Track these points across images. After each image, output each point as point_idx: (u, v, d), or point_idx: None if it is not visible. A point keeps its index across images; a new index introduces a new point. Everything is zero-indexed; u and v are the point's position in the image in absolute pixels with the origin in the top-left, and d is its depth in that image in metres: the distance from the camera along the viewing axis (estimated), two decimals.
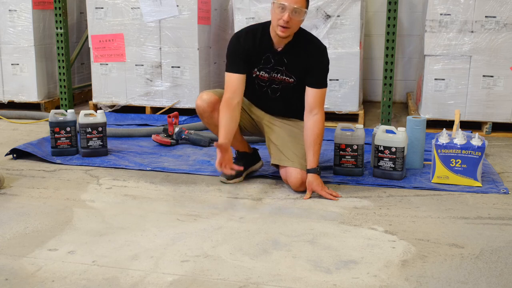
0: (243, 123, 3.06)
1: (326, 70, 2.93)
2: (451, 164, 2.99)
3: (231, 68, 2.89)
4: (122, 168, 3.34)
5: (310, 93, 2.88)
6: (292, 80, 2.93)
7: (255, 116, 3.09)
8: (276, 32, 2.78)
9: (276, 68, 2.91)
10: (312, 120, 2.86)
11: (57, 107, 5.24)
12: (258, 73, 2.94)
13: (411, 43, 5.72)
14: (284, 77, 2.93)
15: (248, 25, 3.36)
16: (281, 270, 2.03)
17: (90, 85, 5.34)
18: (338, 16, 4.43)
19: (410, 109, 4.85)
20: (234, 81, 2.86)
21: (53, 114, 3.56)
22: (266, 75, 2.93)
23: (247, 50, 2.88)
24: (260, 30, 2.89)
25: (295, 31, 2.82)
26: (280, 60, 2.89)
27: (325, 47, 2.94)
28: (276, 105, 3.05)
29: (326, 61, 2.93)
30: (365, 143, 3.19)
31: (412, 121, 3.27)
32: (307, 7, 2.76)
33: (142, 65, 4.87)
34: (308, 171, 2.85)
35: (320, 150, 2.89)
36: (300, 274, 2.00)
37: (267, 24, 2.89)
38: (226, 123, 2.82)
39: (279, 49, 2.87)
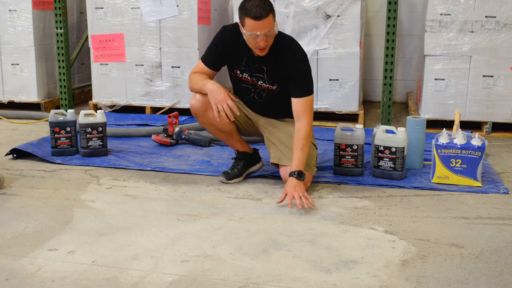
0: (240, 123, 3.06)
1: (307, 79, 2.83)
2: (451, 164, 2.98)
3: (205, 60, 2.95)
4: (122, 168, 3.34)
5: (295, 103, 2.82)
6: (276, 87, 2.89)
7: (252, 117, 3.08)
8: (254, 51, 2.76)
9: (256, 75, 2.88)
10: (297, 126, 2.81)
11: (57, 107, 5.23)
12: (241, 75, 2.92)
13: (411, 43, 5.72)
14: (267, 85, 2.89)
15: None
16: (281, 270, 2.03)
17: (90, 85, 5.34)
18: (338, 16, 4.43)
19: (410, 109, 4.85)
20: (204, 71, 2.94)
21: (53, 114, 3.56)
22: (250, 78, 2.91)
23: (228, 47, 2.87)
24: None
25: (272, 43, 2.75)
26: (259, 68, 2.85)
27: (304, 55, 2.83)
28: (265, 109, 3.03)
29: (305, 70, 2.83)
30: (365, 143, 3.19)
31: (412, 121, 3.27)
32: (274, 19, 2.68)
33: (142, 65, 4.87)
34: (290, 174, 2.72)
35: (305, 156, 2.76)
36: (300, 274, 2.00)
37: None
38: (203, 77, 2.89)
39: (256, 55, 2.80)
